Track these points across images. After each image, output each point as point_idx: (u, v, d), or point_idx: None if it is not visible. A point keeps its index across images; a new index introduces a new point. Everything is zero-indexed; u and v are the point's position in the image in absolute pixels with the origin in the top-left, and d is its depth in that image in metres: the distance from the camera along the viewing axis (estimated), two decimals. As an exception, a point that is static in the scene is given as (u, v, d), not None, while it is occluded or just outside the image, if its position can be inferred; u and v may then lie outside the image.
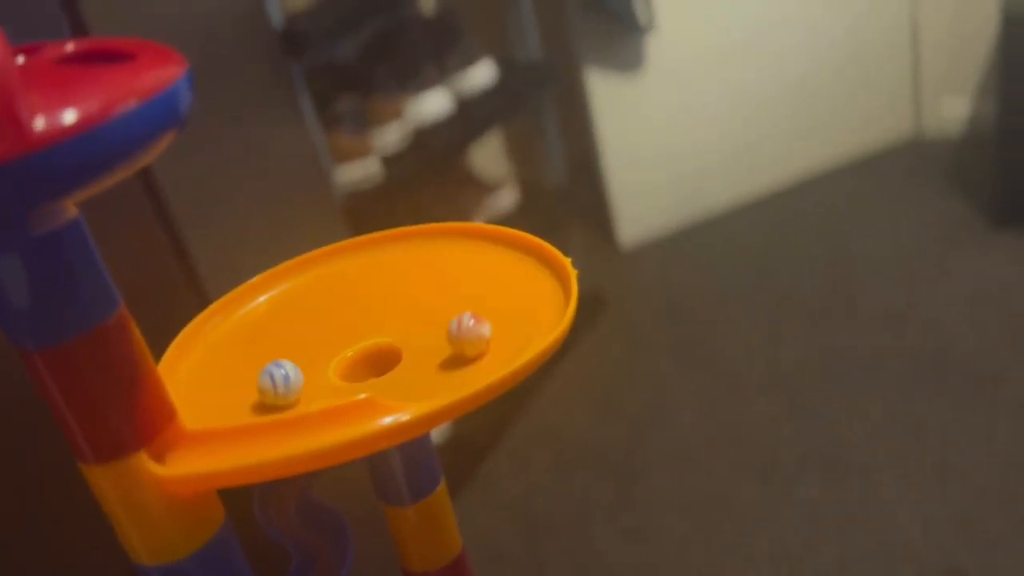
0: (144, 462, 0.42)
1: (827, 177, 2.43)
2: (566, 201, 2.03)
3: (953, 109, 2.45)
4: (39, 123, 0.32)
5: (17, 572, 0.54)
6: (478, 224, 0.66)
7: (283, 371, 0.49)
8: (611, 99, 2.18)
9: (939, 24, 2.35)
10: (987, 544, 1.33)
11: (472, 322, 0.52)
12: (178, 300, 0.70)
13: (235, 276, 0.65)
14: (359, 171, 1.51)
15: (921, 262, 2.00)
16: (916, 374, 1.69)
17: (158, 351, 0.54)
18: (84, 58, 0.38)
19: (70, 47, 0.39)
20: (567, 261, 0.58)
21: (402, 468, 0.60)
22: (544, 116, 1.96)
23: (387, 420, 0.45)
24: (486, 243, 0.65)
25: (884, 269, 2.01)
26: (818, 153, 2.44)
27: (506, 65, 1.88)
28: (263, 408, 0.51)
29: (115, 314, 0.41)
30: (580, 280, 0.57)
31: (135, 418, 0.42)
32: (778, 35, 2.27)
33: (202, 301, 0.70)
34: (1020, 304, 1.80)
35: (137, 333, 0.43)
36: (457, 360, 0.54)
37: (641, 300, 2.12)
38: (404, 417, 0.45)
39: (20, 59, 0.38)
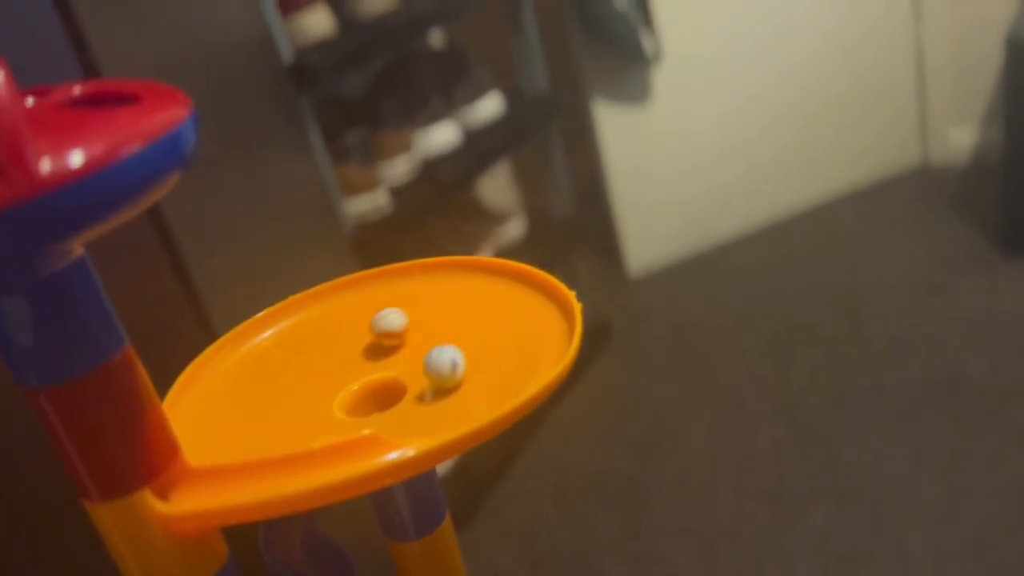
0: (148, 499, 0.42)
1: (834, 205, 2.43)
2: (573, 230, 2.03)
3: (959, 137, 2.46)
4: (45, 166, 0.32)
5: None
6: (483, 258, 0.66)
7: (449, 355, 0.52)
8: (618, 129, 2.19)
9: (944, 53, 2.37)
10: (1000, 570, 1.31)
11: (447, 355, 0.53)
12: (184, 334, 0.70)
13: (242, 310, 0.65)
14: (367, 203, 1.52)
15: (928, 289, 1.99)
16: (923, 400, 1.68)
17: (163, 386, 0.54)
18: (90, 101, 0.39)
19: (77, 90, 0.40)
20: (571, 294, 0.59)
21: (407, 503, 0.59)
22: (551, 147, 1.97)
23: (392, 456, 0.45)
24: (491, 276, 0.65)
25: (891, 296, 2.00)
26: (825, 181, 2.45)
27: (513, 97, 1.89)
28: (276, 438, 0.51)
29: (120, 352, 0.41)
30: (587, 308, 0.57)
31: (139, 455, 0.42)
32: (784, 64, 2.29)
33: (208, 336, 0.70)
34: (1030, 332, 1.79)
35: (142, 370, 0.43)
36: (462, 395, 0.54)
37: (648, 328, 2.12)
38: (409, 453, 0.45)
39: (29, 101, 0.39)
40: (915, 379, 1.73)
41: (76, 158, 0.33)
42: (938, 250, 2.12)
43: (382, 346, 0.60)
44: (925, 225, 2.24)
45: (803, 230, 2.35)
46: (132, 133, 0.35)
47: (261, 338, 0.63)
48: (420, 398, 0.54)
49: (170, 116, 0.37)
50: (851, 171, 2.46)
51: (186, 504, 0.43)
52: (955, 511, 1.43)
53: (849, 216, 2.37)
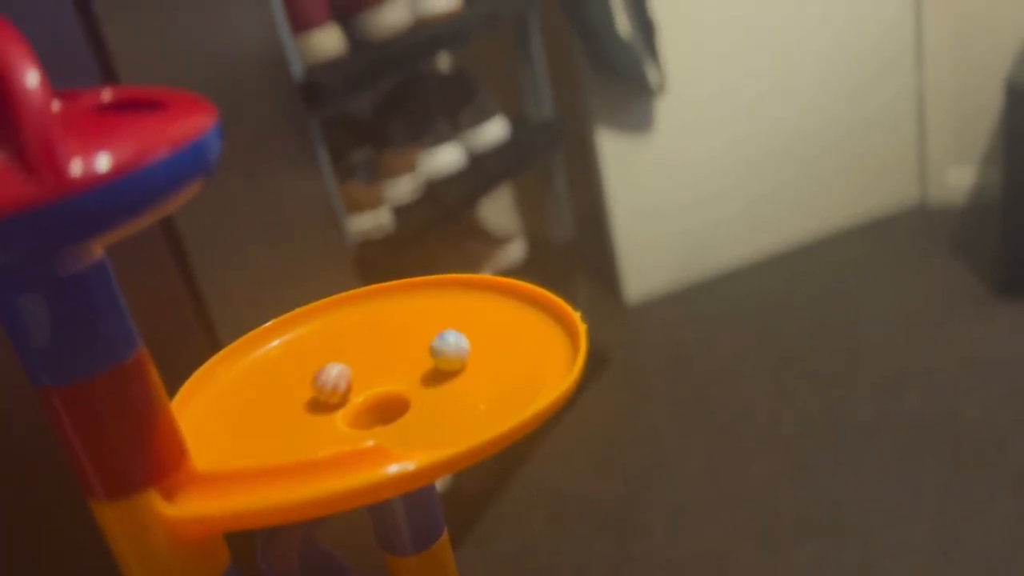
0: (154, 501, 0.43)
1: (832, 241, 2.45)
2: (573, 256, 2.05)
3: (958, 177, 2.48)
4: (75, 167, 0.33)
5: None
6: (488, 276, 0.67)
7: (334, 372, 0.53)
8: (620, 158, 2.21)
9: (945, 93, 2.40)
10: (993, 617, 1.31)
11: (452, 338, 0.55)
12: (191, 343, 0.71)
13: (248, 321, 0.66)
14: (370, 221, 1.53)
15: (924, 328, 2.01)
16: (917, 440, 1.68)
17: (170, 392, 0.54)
18: (118, 106, 0.40)
19: (106, 95, 0.41)
20: (576, 315, 0.59)
21: (406, 517, 0.60)
22: (554, 172, 1.99)
23: (394, 468, 0.45)
24: (495, 295, 0.66)
25: (887, 333, 2.01)
26: (823, 217, 2.47)
27: (518, 122, 1.91)
28: (280, 447, 0.51)
29: (135, 353, 0.41)
30: (587, 334, 0.58)
31: (147, 456, 0.42)
32: (786, 99, 2.31)
33: (215, 345, 0.71)
34: (1022, 373, 1.80)
35: (154, 373, 0.43)
36: (465, 410, 0.54)
37: (644, 357, 2.12)
38: (410, 466, 0.45)
39: (58, 104, 0.40)
40: (910, 418, 1.74)
41: (105, 161, 0.34)
42: (935, 289, 2.14)
43: (388, 359, 0.60)
44: (922, 264, 2.26)
45: (801, 264, 2.37)
46: (159, 139, 0.35)
47: (267, 348, 0.63)
48: (423, 413, 0.54)
49: (196, 123, 0.38)
50: (850, 208, 2.48)
51: (191, 507, 0.44)
52: (947, 552, 1.43)
53: (847, 253, 2.38)
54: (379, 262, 1.46)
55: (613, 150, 2.20)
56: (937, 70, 2.37)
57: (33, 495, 0.56)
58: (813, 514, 1.56)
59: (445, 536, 0.63)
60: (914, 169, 2.50)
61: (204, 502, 0.44)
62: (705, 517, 1.60)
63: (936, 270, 2.21)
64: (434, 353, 0.56)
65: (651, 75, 2.07)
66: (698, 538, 1.55)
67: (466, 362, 0.57)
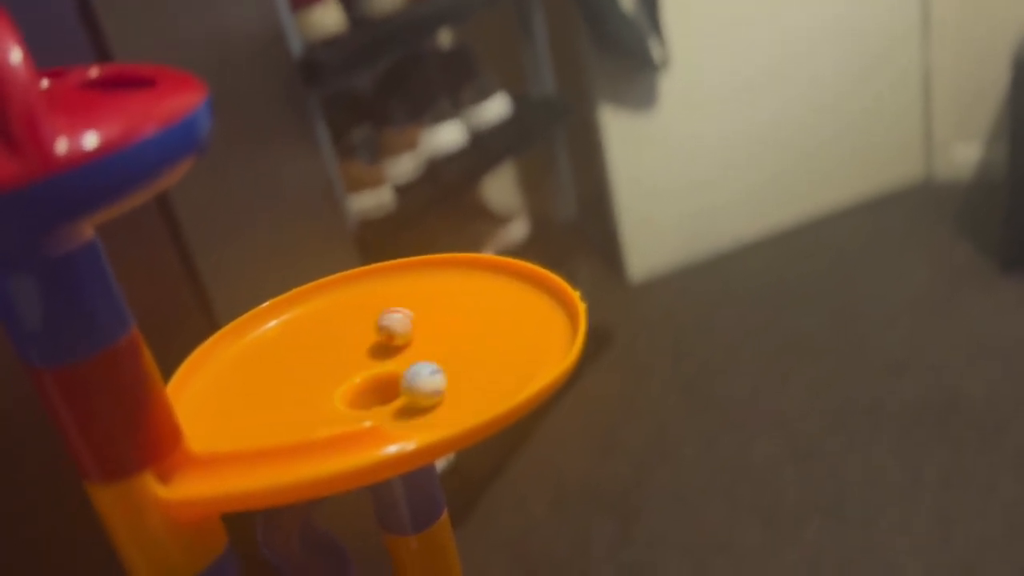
0: (149, 483, 0.42)
1: (837, 217, 2.43)
2: (576, 235, 2.04)
3: (964, 153, 2.46)
4: (61, 146, 0.32)
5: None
6: (488, 255, 0.66)
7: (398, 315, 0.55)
8: (623, 135, 2.20)
9: (952, 69, 2.37)
10: (994, 594, 1.31)
11: (427, 373, 0.50)
12: (189, 323, 0.70)
13: (246, 301, 0.65)
14: (371, 200, 1.52)
15: (928, 306, 2.00)
16: (920, 421, 1.68)
17: (167, 373, 0.54)
18: (106, 84, 0.39)
19: (93, 73, 0.40)
20: (576, 294, 0.59)
21: (405, 497, 0.59)
22: (556, 150, 1.98)
23: (392, 449, 0.45)
24: (495, 274, 0.65)
25: (891, 312, 2.00)
26: (828, 193, 2.45)
27: (520, 100, 1.90)
28: (277, 428, 0.51)
29: (127, 335, 0.41)
30: (586, 314, 0.57)
31: (142, 439, 0.42)
32: (791, 75, 2.29)
33: (212, 325, 0.70)
34: (1029, 351, 1.79)
35: (148, 355, 0.43)
36: (464, 391, 0.54)
37: (647, 336, 2.12)
38: (409, 446, 0.45)
39: (45, 83, 0.39)
40: (912, 398, 1.73)
41: (92, 139, 0.33)
42: (940, 267, 2.13)
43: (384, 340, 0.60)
44: (927, 242, 2.24)
45: (805, 242, 2.35)
46: (148, 116, 0.35)
47: (265, 328, 0.63)
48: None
49: (185, 101, 0.37)
50: (855, 185, 2.47)
51: (187, 490, 0.43)
52: (948, 533, 1.43)
53: (851, 230, 2.37)
54: (379, 242, 1.45)
55: (616, 127, 2.18)
56: (943, 45, 2.35)
57: (31, 479, 0.56)
58: (816, 494, 1.56)
59: (445, 516, 0.63)
60: (919, 145, 2.48)
61: (200, 484, 0.44)
62: (707, 498, 1.60)
63: (941, 248, 2.20)
64: (406, 388, 0.50)
65: (655, 51, 2.05)
66: (700, 519, 1.56)
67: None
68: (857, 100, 2.37)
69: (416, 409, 0.51)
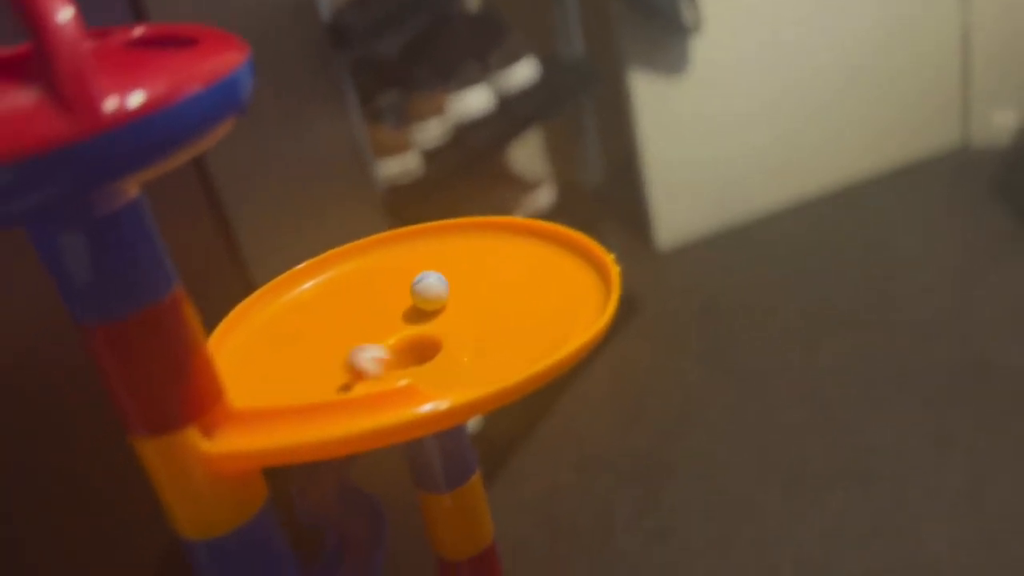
0: (193, 437, 0.44)
1: (870, 184, 2.40)
2: (603, 201, 2.03)
3: (1003, 119, 2.41)
4: (109, 104, 0.33)
5: (66, 538, 0.56)
6: (520, 219, 0.67)
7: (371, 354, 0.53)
8: (653, 99, 2.17)
9: (992, 32, 2.31)
10: (1015, 564, 1.31)
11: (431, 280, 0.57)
12: (225, 284, 0.71)
13: (279, 263, 0.66)
14: (399, 166, 1.53)
15: (961, 274, 1.97)
16: (950, 388, 1.66)
17: (205, 331, 0.55)
18: (150, 43, 0.40)
19: (137, 32, 0.40)
20: (609, 258, 0.59)
21: (439, 455, 0.60)
22: (585, 115, 1.96)
23: (427, 407, 0.45)
24: (528, 237, 0.65)
25: (923, 279, 1.98)
26: (862, 159, 2.42)
27: (548, 63, 1.88)
28: (313, 387, 0.52)
29: (172, 293, 0.42)
30: (620, 277, 0.58)
31: (186, 394, 0.43)
32: (824, 39, 2.25)
33: (248, 286, 0.71)
34: (1064, 320, 1.77)
35: (191, 312, 0.44)
36: (496, 352, 0.54)
37: (674, 303, 2.11)
38: (443, 405, 0.46)
39: (90, 42, 0.39)
40: (943, 366, 1.72)
41: (138, 97, 0.33)
42: (974, 235, 2.09)
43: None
44: (962, 209, 2.21)
45: (837, 208, 2.32)
46: (192, 75, 0.35)
47: (301, 290, 0.64)
48: (456, 354, 0.55)
49: (228, 60, 0.37)
50: (889, 150, 2.42)
51: (229, 444, 0.45)
52: (976, 501, 1.42)
53: (885, 196, 2.33)
54: (407, 207, 1.45)
55: (646, 91, 2.16)
56: (983, 6, 2.29)
57: (76, 433, 0.57)
58: (842, 462, 1.55)
59: (477, 475, 0.64)
60: (957, 110, 2.43)
61: (242, 438, 0.45)
62: (733, 465, 1.61)
63: (977, 215, 2.16)
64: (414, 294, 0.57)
65: (686, 13, 2.02)
66: (726, 485, 1.56)
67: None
68: (892, 63, 2.32)
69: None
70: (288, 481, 0.60)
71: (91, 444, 0.58)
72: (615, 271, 0.57)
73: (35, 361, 0.54)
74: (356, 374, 0.52)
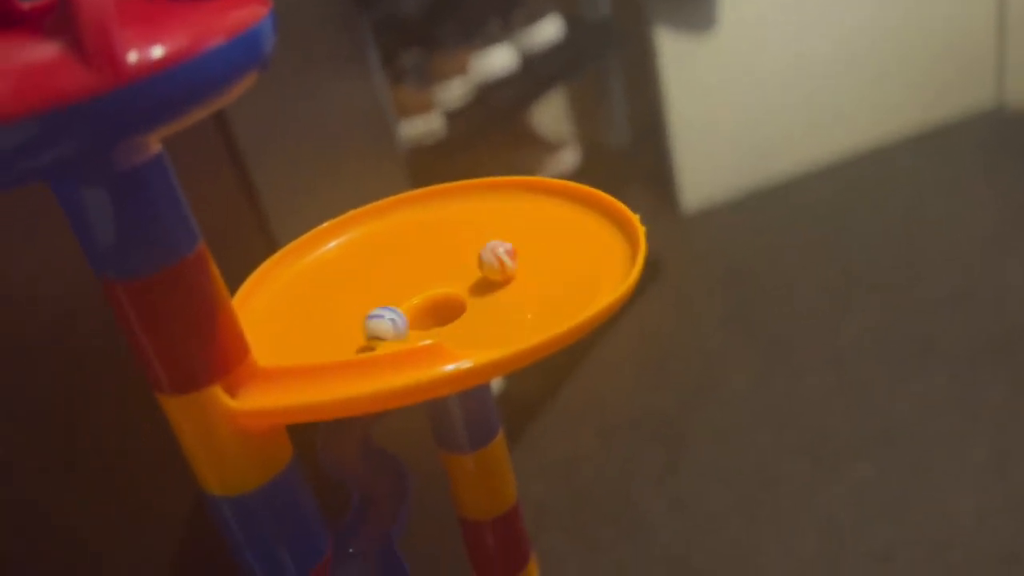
0: (218, 395, 0.44)
1: (901, 146, 2.35)
2: (628, 163, 2.01)
3: (1039, 80, 2.34)
4: (132, 57, 0.32)
5: (93, 492, 0.57)
6: (545, 179, 0.66)
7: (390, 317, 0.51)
8: (679, 59, 2.13)
9: (1029, -10, 2.24)
10: (1046, 530, 1.30)
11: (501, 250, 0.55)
12: (249, 243, 0.71)
13: (302, 223, 0.66)
14: (421, 126, 1.52)
15: (994, 239, 1.93)
16: (979, 356, 1.64)
17: (229, 290, 0.55)
18: (171, -5, 0.39)
19: (158, -16, 0.39)
20: (635, 218, 0.58)
21: (462, 416, 0.60)
22: (609, 75, 1.93)
23: (451, 367, 0.45)
24: (553, 197, 0.65)
25: (953, 245, 1.95)
26: (892, 121, 2.37)
27: (573, 22, 1.85)
28: (338, 346, 0.52)
29: (196, 249, 0.42)
30: (645, 237, 0.57)
31: (211, 352, 0.43)
32: (856, -2, 2.19)
33: (271, 246, 0.71)
34: (1098, 287, 1.73)
35: (215, 270, 0.44)
36: (520, 312, 0.54)
37: (699, 267, 2.10)
38: (467, 364, 0.45)
39: (111, -5, 0.39)
40: (971, 334, 1.69)
41: (160, 50, 0.33)
42: (1008, 200, 2.05)
43: (444, 261, 0.60)
44: (996, 172, 2.16)
45: (866, 171, 2.28)
46: (214, 27, 0.35)
47: (325, 249, 0.64)
48: (479, 315, 0.54)
49: (251, 13, 0.36)
50: (921, 111, 2.37)
51: (255, 401, 0.45)
52: (1003, 470, 1.41)
53: (916, 160, 2.29)
54: (430, 168, 1.44)
55: (672, 50, 2.12)
56: (1023, -37, 2.22)
57: (103, 390, 0.58)
58: (867, 431, 1.54)
59: (501, 436, 0.64)
60: (992, 69, 2.37)
61: (267, 396, 0.45)
62: (756, 432, 1.60)
63: (1011, 179, 2.12)
64: (481, 265, 0.56)
65: (713, -29, 1.97)
66: (748, 453, 1.56)
67: (511, 274, 0.56)
68: (926, 21, 2.26)
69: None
70: (313, 439, 0.60)
71: (118, 400, 0.58)
72: (641, 231, 0.56)
73: (62, 316, 0.55)
74: (372, 339, 0.51)
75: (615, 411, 1.72)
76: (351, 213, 0.66)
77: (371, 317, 0.52)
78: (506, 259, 0.56)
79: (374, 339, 0.51)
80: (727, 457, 1.56)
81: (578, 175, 1.88)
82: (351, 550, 0.56)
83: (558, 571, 1.41)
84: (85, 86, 0.32)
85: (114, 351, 0.53)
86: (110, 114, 0.33)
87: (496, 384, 1.73)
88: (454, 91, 1.60)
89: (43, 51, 0.32)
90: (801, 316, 1.85)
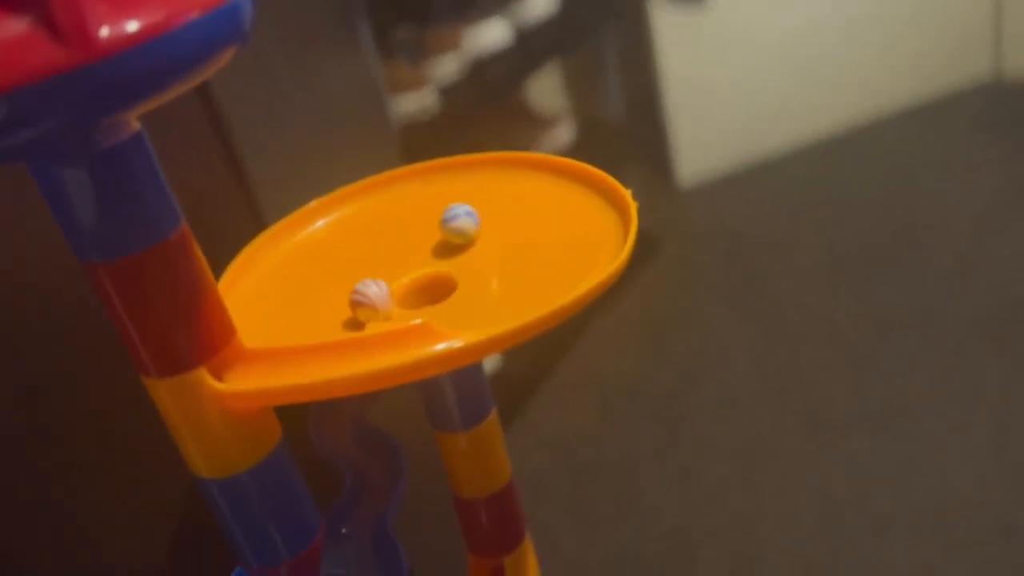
0: (204, 378, 0.43)
1: (898, 119, 2.34)
2: (624, 138, 1.99)
3: (1037, 51, 2.32)
4: (104, 31, 0.31)
5: (79, 480, 0.56)
6: (537, 154, 0.65)
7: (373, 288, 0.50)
8: (675, 33, 2.11)
9: (1029, -41, 2.22)
10: (1043, 501, 1.31)
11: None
12: (237, 223, 0.71)
13: (293, 202, 0.65)
14: (415, 102, 1.50)
15: (991, 213, 1.93)
16: (976, 330, 1.64)
17: (215, 272, 0.54)
18: (147, -31, 0.38)
19: (133, -43, 0.38)
20: (627, 193, 0.57)
21: (455, 395, 0.60)
22: (604, 50, 1.91)
23: (442, 346, 0.45)
24: (544, 173, 0.64)
25: (953, 218, 1.94)
26: (889, 93, 2.35)
27: (567, -4, 1.82)
28: (327, 326, 0.52)
29: (177, 230, 0.41)
30: (637, 214, 0.56)
31: (196, 334, 0.42)
32: (854, -32, 2.17)
33: (259, 225, 0.70)
34: (1095, 258, 1.73)
35: (198, 251, 0.43)
36: (512, 290, 0.53)
37: (697, 242, 2.09)
38: (458, 344, 0.45)
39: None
40: (970, 306, 1.69)
41: (134, 24, 0.32)
42: (1006, 172, 2.04)
43: (435, 240, 0.59)
44: (993, 144, 2.15)
45: (864, 145, 2.27)
46: (189, 1, 0.34)
47: (313, 228, 0.63)
48: (470, 293, 0.54)
49: (227, -15, 0.35)
50: (918, 83, 2.35)
51: (241, 383, 0.44)
52: (1001, 442, 1.41)
53: (913, 131, 2.27)
54: (423, 144, 1.43)
55: (668, 24, 2.10)
56: (1023, -69, 2.19)
57: (89, 374, 0.57)
58: (866, 403, 1.54)
59: (494, 414, 0.63)
60: (988, 41, 2.34)
61: (254, 377, 0.44)
62: (755, 405, 1.60)
63: (1008, 151, 2.11)
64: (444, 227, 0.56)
65: (709, -58, 1.95)
66: (747, 426, 1.56)
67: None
68: (924, -7, 2.24)
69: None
70: (305, 420, 0.60)
71: (108, 382, 0.58)
72: (633, 207, 0.56)
73: (54, 298, 0.54)
74: (363, 311, 0.51)
75: (614, 386, 1.72)
76: (339, 191, 0.65)
77: (357, 290, 0.51)
78: (465, 221, 0.56)
79: (360, 306, 0.50)
80: (726, 431, 1.56)
81: (573, 150, 1.87)
82: (344, 531, 0.56)
83: (558, 546, 1.41)
84: (56, 62, 0.31)
85: (107, 331, 0.53)
86: (84, 91, 0.32)
87: (494, 360, 1.73)
88: (447, 66, 1.59)
89: (13, 27, 0.31)
90: (799, 289, 1.84)
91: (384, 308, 0.51)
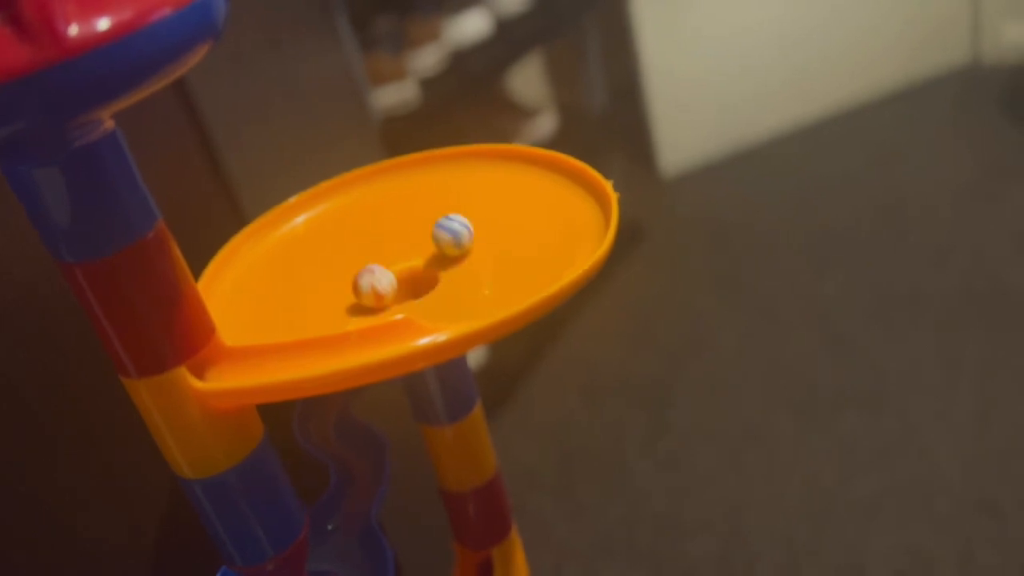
0: (185, 377, 0.43)
1: (878, 104, 2.35)
2: (606, 127, 1.99)
3: (1015, 33, 2.34)
4: (73, 29, 0.31)
5: (63, 481, 0.56)
6: (517, 146, 0.65)
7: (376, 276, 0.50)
8: (656, 22, 2.11)
9: (1006, -58, 2.23)
10: (1025, 482, 1.32)
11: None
12: (216, 220, 0.70)
13: (272, 197, 0.64)
14: (395, 94, 1.49)
15: (973, 195, 1.94)
16: (961, 310, 1.65)
17: (196, 270, 0.54)
18: (117, -36, 0.37)
19: (102, -47, 0.38)
20: (608, 184, 0.57)
21: (439, 389, 0.60)
22: (586, 39, 1.91)
23: (424, 340, 0.45)
24: (525, 165, 0.64)
25: (933, 201, 1.95)
26: (868, 79, 2.36)
27: (547, -15, 1.82)
28: (309, 323, 0.51)
29: (154, 229, 0.41)
30: (619, 208, 0.56)
31: (175, 333, 0.42)
32: (833, -46, 2.17)
33: (240, 221, 0.70)
34: (1074, 239, 1.74)
35: (176, 249, 0.43)
36: (494, 284, 0.53)
37: (681, 229, 2.09)
38: (441, 338, 0.45)
39: (52, -35, 0.37)
40: (954, 289, 1.71)
41: (104, 22, 0.31)
42: (986, 154, 2.05)
43: (417, 234, 0.59)
44: (973, 127, 2.16)
45: (845, 130, 2.28)
46: (160, -2, 0.33)
47: (294, 224, 0.62)
48: (452, 287, 0.54)
49: (198, -19, 0.35)
50: (897, 68, 2.37)
51: (222, 381, 0.44)
52: (986, 421, 1.42)
53: (894, 116, 2.29)
54: (404, 137, 1.42)
55: (649, 13, 2.09)
56: (1000, -86, 2.20)
57: (69, 374, 0.57)
58: (852, 385, 1.56)
59: (479, 407, 0.63)
60: (966, 25, 2.36)
61: (235, 375, 0.44)
62: (741, 389, 1.61)
63: (987, 133, 2.12)
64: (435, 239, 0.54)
65: (689, -71, 1.94)
66: (734, 411, 1.57)
67: (467, 248, 0.54)
68: (903, -23, 2.25)
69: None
70: (290, 416, 0.59)
71: (90, 382, 0.57)
72: (614, 198, 0.56)
73: (34, 296, 0.54)
74: (369, 296, 0.50)
75: (601, 374, 1.73)
76: (320, 186, 0.65)
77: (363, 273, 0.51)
78: (461, 233, 0.54)
79: (367, 287, 0.50)
80: (713, 416, 1.57)
81: (556, 141, 1.86)
82: (330, 527, 0.56)
83: (547, 533, 1.42)
84: (24, 61, 0.30)
85: (86, 329, 0.52)
86: (53, 90, 0.31)
87: (480, 351, 1.73)
88: (428, 58, 1.58)
89: (-20, 26, 0.31)
90: (783, 275, 1.85)
91: (389, 295, 0.50)
